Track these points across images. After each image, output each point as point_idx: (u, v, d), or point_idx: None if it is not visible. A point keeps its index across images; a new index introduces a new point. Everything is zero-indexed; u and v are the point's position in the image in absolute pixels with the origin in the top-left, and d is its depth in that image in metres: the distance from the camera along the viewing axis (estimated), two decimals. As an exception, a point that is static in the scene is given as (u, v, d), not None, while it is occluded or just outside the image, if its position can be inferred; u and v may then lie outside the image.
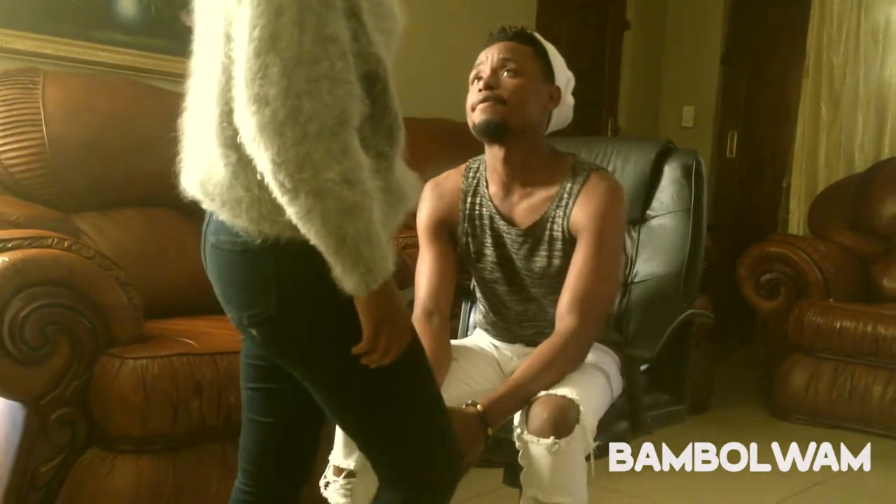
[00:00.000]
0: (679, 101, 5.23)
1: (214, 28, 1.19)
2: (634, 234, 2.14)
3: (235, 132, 1.15)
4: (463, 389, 1.77)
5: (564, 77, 1.86)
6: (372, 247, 1.15)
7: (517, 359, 1.87)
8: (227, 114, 1.16)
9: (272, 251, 1.18)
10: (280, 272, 1.20)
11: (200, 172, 1.24)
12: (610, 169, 2.15)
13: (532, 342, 1.83)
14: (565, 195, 1.80)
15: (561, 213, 1.79)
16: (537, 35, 1.84)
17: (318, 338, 1.26)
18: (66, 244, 1.99)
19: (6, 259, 1.87)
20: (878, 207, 4.14)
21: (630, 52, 5.06)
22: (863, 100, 4.50)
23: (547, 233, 1.81)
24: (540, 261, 1.83)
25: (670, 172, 2.13)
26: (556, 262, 1.81)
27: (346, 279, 1.15)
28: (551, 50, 1.85)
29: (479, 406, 1.61)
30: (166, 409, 2.00)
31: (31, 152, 2.42)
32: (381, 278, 1.17)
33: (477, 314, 2.07)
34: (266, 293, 1.22)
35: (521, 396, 1.64)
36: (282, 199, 1.12)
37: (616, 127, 5.05)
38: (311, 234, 1.13)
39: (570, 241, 1.79)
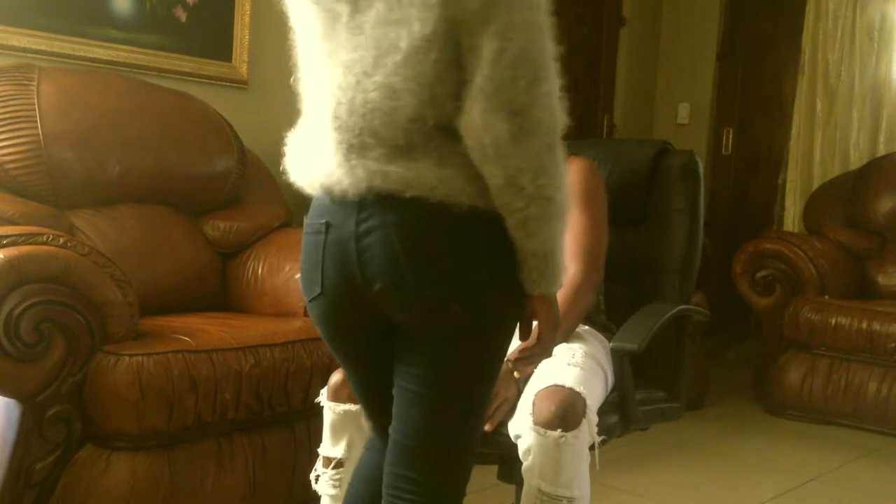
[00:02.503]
0: (675, 98, 5.23)
1: (400, 34, 1.20)
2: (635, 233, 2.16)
3: (439, 131, 1.20)
4: None
5: None
6: (562, 250, 1.25)
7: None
8: (435, 117, 1.21)
9: (487, 220, 1.21)
10: (490, 242, 1.23)
11: (382, 167, 1.23)
12: (608, 169, 2.20)
13: None
14: None
15: None
16: None
17: (495, 313, 1.28)
18: (61, 241, 1.98)
19: (1, 256, 1.86)
20: (873, 204, 4.14)
21: (626, 48, 5.07)
22: (858, 97, 4.50)
23: None
24: None
25: (667, 172, 2.14)
26: None
27: (543, 280, 1.24)
28: None
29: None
30: (162, 405, 1.99)
31: (26, 149, 2.41)
32: (562, 280, 1.27)
33: None
34: (480, 260, 1.24)
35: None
36: (516, 203, 1.19)
37: (612, 124, 5.05)
38: (532, 237, 1.20)
39: None
